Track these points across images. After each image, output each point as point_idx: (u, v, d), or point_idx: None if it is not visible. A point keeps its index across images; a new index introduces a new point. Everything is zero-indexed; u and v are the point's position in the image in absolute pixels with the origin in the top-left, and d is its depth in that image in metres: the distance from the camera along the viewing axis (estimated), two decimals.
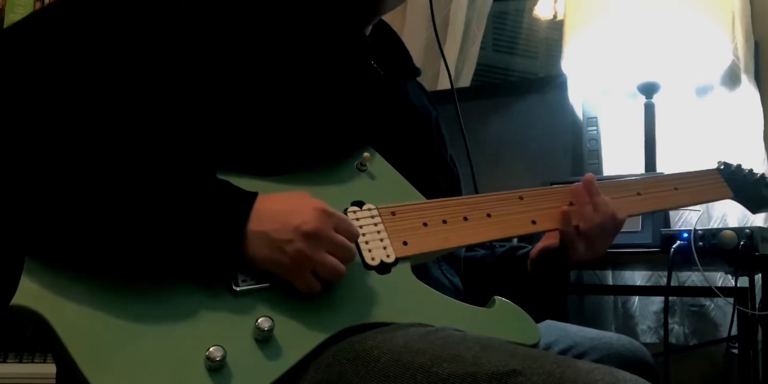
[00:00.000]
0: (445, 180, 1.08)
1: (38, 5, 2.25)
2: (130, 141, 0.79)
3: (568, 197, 1.04)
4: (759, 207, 1.34)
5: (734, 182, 1.26)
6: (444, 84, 2.23)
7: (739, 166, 1.29)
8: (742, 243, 1.39)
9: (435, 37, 1.20)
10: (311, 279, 0.80)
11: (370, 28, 1.09)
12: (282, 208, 0.80)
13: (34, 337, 1.98)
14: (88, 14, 0.83)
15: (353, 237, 0.83)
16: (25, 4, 2.24)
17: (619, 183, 1.12)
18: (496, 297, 0.90)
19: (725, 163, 1.28)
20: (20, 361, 2.02)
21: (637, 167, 1.89)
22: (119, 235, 0.74)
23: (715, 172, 1.26)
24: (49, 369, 1.94)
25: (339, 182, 0.91)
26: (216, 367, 0.73)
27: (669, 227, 1.65)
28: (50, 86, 0.78)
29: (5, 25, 2.21)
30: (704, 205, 1.87)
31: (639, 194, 1.11)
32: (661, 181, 1.16)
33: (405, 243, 0.90)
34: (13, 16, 2.22)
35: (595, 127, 1.88)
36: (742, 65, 1.92)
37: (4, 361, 2.01)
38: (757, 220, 1.80)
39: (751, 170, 1.31)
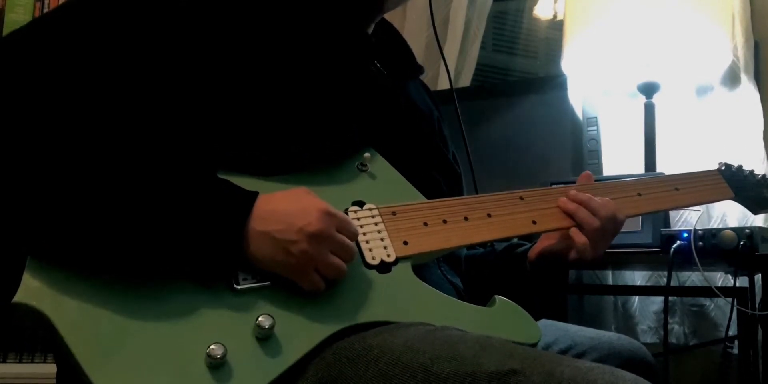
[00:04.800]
0: (446, 179, 1.08)
1: (38, 5, 2.25)
2: (131, 140, 0.79)
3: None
4: (760, 208, 1.34)
5: (735, 183, 1.26)
6: (444, 84, 2.23)
7: (740, 167, 1.29)
8: (742, 243, 1.39)
9: (435, 38, 1.20)
10: (316, 278, 0.80)
11: (372, 26, 1.09)
12: (285, 209, 0.80)
13: (34, 337, 1.99)
14: (90, 15, 0.84)
15: (353, 237, 0.84)
16: (25, 4, 2.24)
17: (620, 183, 1.12)
18: (496, 296, 0.90)
19: (726, 164, 1.28)
20: (20, 361, 2.02)
21: (637, 167, 1.89)
22: (120, 233, 0.74)
23: (716, 173, 1.26)
24: (49, 369, 1.95)
25: (340, 182, 0.91)
26: (217, 365, 0.73)
27: (669, 227, 1.65)
28: (52, 86, 0.78)
29: (5, 25, 2.21)
30: (704, 205, 1.87)
31: (640, 195, 1.11)
32: (661, 182, 1.16)
33: (405, 242, 0.90)
34: (13, 16, 2.22)
35: (595, 127, 1.88)
36: (742, 65, 1.92)
37: (4, 361, 2.01)
38: (757, 220, 1.80)
39: (752, 171, 1.31)
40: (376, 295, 0.85)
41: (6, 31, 2.21)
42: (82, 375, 0.71)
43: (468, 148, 1.13)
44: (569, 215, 1.02)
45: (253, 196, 0.80)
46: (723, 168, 1.27)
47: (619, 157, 1.99)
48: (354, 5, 1.02)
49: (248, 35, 0.89)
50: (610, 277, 2.02)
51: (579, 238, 1.00)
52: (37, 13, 2.24)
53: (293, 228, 0.79)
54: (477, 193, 1.05)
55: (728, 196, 1.25)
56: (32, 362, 2.02)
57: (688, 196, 1.18)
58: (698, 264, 1.44)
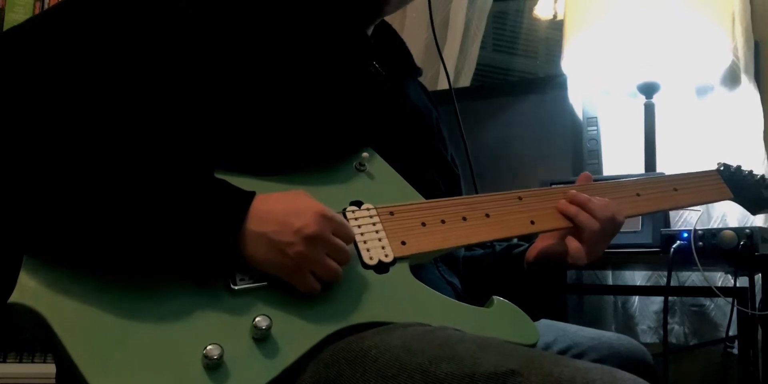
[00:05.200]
0: (445, 180, 1.08)
1: (38, 5, 2.26)
2: (129, 140, 0.79)
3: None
4: (759, 208, 1.34)
5: (734, 183, 1.26)
6: (444, 84, 2.23)
7: (738, 167, 1.29)
8: (741, 243, 1.39)
9: (434, 39, 1.20)
10: (312, 280, 0.80)
11: (371, 28, 1.09)
12: (282, 210, 0.80)
13: (34, 337, 1.99)
14: (89, 15, 0.84)
15: (350, 241, 0.84)
16: (25, 4, 2.24)
17: (619, 183, 1.11)
18: (494, 297, 0.90)
19: (725, 164, 1.28)
20: (20, 361, 2.02)
21: (637, 167, 1.89)
22: (117, 233, 0.74)
23: (714, 173, 1.26)
24: (49, 369, 1.94)
25: (338, 182, 0.91)
26: (213, 366, 0.73)
27: (669, 227, 1.65)
28: (50, 86, 0.78)
29: (5, 25, 2.21)
30: (704, 205, 1.87)
31: (638, 195, 1.11)
32: (660, 182, 1.16)
33: (403, 243, 0.90)
34: (13, 16, 2.22)
35: (595, 127, 1.88)
36: (742, 65, 1.92)
37: (4, 361, 2.01)
38: (757, 220, 1.80)
39: (750, 171, 1.31)
40: (373, 296, 0.84)
41: None
42: (78, 375, 0.71)
43: (467, 148, 1.12)
44: (569, 218, 1.01)
45: (250, 196, 0.80)
46: (722, 168, 1.27)
47: (619, 157, 1.99)
48: (354, 8, 1.02)
49: (247, 35, 0.89)
50: (610, 277, 2.02)
51: (573, 243, 1.00)
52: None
53: (289, 229, 0.78)
54: (476, 193, 1.05)
55: (727, 197, 1.25)
56: (32, 362, 2.02)
57: (687, 197, 1.17)
58: (698, 264, 1.44)
